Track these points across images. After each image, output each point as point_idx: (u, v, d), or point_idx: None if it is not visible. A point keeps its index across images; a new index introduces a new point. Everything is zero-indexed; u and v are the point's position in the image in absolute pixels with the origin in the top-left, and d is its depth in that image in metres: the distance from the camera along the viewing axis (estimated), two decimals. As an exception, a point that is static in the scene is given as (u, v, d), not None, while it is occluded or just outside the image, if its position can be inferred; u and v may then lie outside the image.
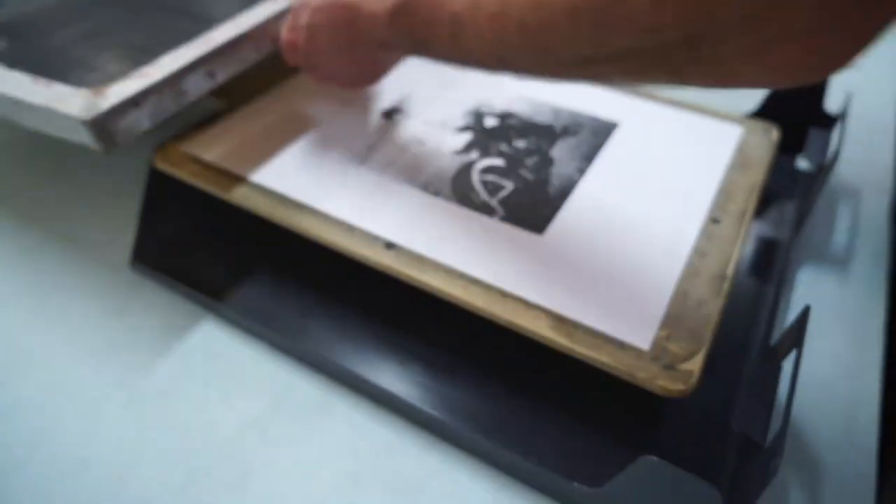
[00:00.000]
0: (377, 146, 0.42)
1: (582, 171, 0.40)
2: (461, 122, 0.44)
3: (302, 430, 0.33)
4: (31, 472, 0.32)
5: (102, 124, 0.34)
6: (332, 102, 0.46)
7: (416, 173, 0.40)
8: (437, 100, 0.46)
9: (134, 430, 0.33)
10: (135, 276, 0.41)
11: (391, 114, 0.45)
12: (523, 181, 0.39)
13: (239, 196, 0.38)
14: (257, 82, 0.48)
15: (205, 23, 0.41)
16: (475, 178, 0.39)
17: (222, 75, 0.39)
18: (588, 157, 0.41)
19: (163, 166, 0.40)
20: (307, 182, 0.39)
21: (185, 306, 0.39)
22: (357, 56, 0.39)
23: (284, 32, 0.41)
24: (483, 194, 0.38)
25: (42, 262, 0.42)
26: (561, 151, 0.41)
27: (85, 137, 0.33)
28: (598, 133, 0.43)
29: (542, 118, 0.44)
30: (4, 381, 0.36)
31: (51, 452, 0.32)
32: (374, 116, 0.44)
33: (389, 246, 0.35)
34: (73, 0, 0.52)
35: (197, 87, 0.38)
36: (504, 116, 0.44)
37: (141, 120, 0.35)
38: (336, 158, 0.41)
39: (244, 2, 0.44)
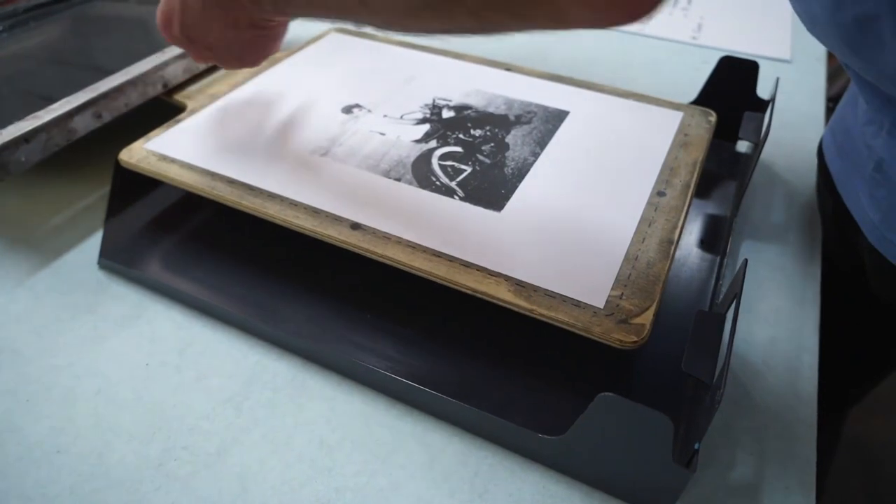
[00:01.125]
0: (339, 139, 0.43)
1: (536, 155, 0.42)
2: (419, 115, 0.46)
3: (276, 405, 0.34)
4: (4, 458, 0.32)
5: (-6, 157, 0.39)
6: (292, 101, 0.47)
7: (377, 161, 0.41)
8: (395, 95, 0.48)
9: (108, 414, 0.34)
10: (104, 274, 0.41)
11: (351, 109, 0.46)
12: (481, 165, 0.41)
13: (205, 188, 0.39)
14: (217, 86, 0.49)
15: (104, 73, 0.47)
16: (435, 163, 0.41)
17: (108, 115, 0.45)
18: (541, 142, 0.43)
19: (129, 164, 0.41)
20: (272, 172, 0.40)
21: (154, 298, 0.40)
22: (232, 22, 0.37)
23: (160, 6, 0.39)
24: (443, 178, 0.40)
25: (13, 264, 0.42)
26: (515, 138, 0.44)
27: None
28: (550, 120, 0.45)
29: (497, 109, 0.47)
30: (-27, 377, 0.36)
31: (25, 439, 0.33)
32: (335, 112, 0.46)
33: (355, 226, 0.36)
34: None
35: (85, 125, 0.43)
36: (461, 108, 0.47)
37: (32, 153, 0.41)
38: (299, 151, 0.42)
39: (139, 55, 0.49)
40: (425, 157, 0.42)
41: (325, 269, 0.40)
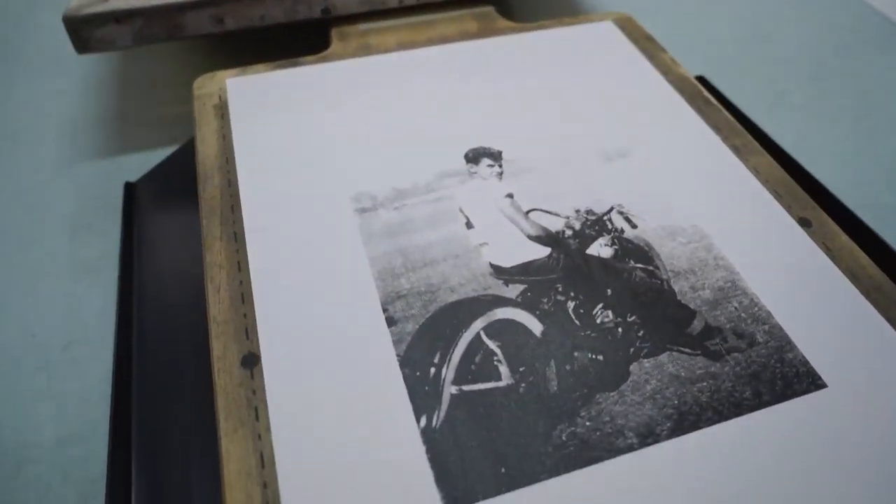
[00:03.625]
0: (409, 195, 0.27)
1: (659, 433, 0.20)
2: (559, 224, 0.26)
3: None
4: None
5: (75, 25, 0.33)
6: (444, 93, 0.31)
7: (400, 265, 0.24)
8: (570, 180, 0.28)
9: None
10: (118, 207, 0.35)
11: (483, 157, 0.29)
12: (537, 374, 0.21)
13: (208, 190, 0.28)
14: (385, 36, 0.36)
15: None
16: (471, 335, 0.23)
17: (233, 23, 0.34)
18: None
19: (195, 95, 0.32)
20: (286, 209, 0.27)
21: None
22: None
23: None
24: (444, 371, 0.22)
25: (73, 145, 0.39)
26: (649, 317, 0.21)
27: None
28: (789, 388, 0.21)
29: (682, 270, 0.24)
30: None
31: None
32: (459, 151, 0.29)
33: (247, 362, 0.22)
34: None
35: (198, 25, 0.34)
36: (616, 239, 0.25)
37: (122, 36, 0.34)
38: (345, 192, 0.27)
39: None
40: (471, 302, 0.23)
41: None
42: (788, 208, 0.27)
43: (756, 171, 0.28)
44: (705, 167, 0.29)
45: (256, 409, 0.21)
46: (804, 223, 0.26)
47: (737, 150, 0.29)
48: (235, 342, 0.22)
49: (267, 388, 0.21)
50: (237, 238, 0.25)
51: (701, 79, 0.41)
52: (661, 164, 0.29)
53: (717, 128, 0.30)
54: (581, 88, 0.32)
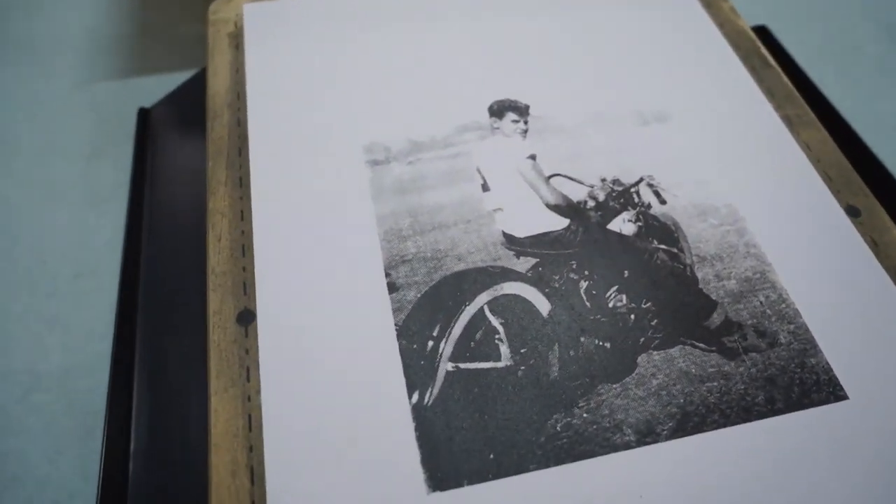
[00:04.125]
0: (428, 150, 0.25)
1: (649, 434, 0.19)
2: (582, 193, 0.24)
3: None
4: None
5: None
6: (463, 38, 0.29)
7: (417, 224, 0.23)
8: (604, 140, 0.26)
9: None
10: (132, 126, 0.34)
11: (508, 110, 0.27)
12: (538, 357, 0.20)
13: (215, 134, 0.27)
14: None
15: None
16: (470, 314, 0.22)
17: None
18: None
19: (211, 20, 0.30)
20: (301, 158, 0.25)
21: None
22: None
23: None
24: (441, 350, 0.21)
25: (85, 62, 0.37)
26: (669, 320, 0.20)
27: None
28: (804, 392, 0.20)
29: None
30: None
31: None
32: (482, 98, 0.27)
33: (244, 317, 0.21)
34: None
35: None
36: (641, 215, 0.23)
37: None
38: (359, 139, 0.26)
39: None
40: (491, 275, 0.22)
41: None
42: (837, 193, 0.24)
43: (807, 148, 0.26)
44: (751, 139, 0.26)
45: (248, 369, 0.20)
46: (852, 212, 0.24)
47: (789, 122, 0.27)
48: (233, 296, 0.22)
49: (260, 348, 0.20)
50: (242, 184, 0.24)
51: (762, 29, 0.37)
52: (702, 133, 0.26)
53: (770, 93, 0.28)
54: (625, 38, 0.30)
